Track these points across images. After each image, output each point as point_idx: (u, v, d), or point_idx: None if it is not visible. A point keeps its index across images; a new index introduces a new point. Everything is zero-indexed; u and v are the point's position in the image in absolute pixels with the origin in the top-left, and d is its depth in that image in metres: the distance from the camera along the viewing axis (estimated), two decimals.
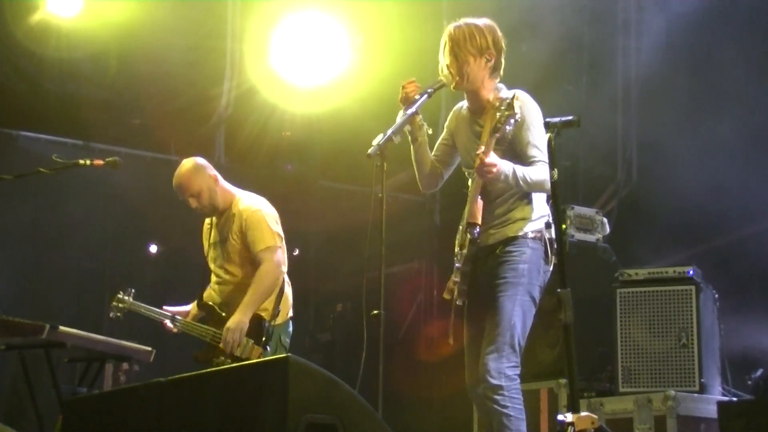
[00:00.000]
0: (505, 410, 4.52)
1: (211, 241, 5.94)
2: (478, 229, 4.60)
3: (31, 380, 5.89)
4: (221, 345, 5.63)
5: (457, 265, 4.74)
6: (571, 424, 3.97)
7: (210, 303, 5.83)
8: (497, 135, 4.43)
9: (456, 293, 4.75)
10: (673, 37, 8.13)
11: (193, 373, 4.02)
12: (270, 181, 6.21)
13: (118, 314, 5.93)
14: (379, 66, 8.27)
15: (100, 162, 5.84)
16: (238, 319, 5.62)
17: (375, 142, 4.57)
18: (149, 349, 6.03)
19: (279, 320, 5.77)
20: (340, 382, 3.75)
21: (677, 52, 8.19)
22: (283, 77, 8.39)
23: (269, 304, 5.73)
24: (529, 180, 4.55)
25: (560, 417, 4.04)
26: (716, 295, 6.70)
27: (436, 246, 8.93)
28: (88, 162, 5.82)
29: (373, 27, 8.39)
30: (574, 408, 4.05)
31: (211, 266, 5.92)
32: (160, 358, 6.23)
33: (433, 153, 4.97)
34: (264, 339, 5.67)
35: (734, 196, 7.44)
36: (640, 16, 8.66)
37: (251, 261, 5.75)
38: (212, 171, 5.87)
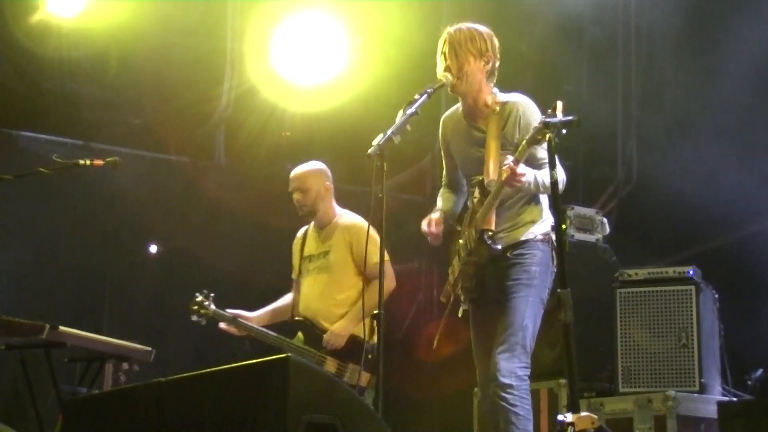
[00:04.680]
0: (514, 409, 4.55)
1: (306, 254, 6.00)
2: (490, 234, 4.62)
3: (31, 380, 5.88)
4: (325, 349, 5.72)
5: (463, 269, 4.75)
6: (571, 424, 3.97)
7: (305, 318, 5.87)
8: (536, 145, 4.43)
9: (463, 298, 4.77)
10: (674, 33, 8.13)
11: (193, 373, 4.02)
12: (270, 181, 6.20)
13: (201, 320, 5.95)
14: (379, 66, 8.26)
15: (100, 162, 5.84)
16: (345, 326, 5.73)
17: (375, 142, 4.57)
18: (149, 349, 6.03)
19: (376, 338, 5.80)
20: (340, 382, 3.76)
21: (678, 50, 8.19)
22: (283, 77, 8.38)
23: (365, 322, 5.76)
24: (546, 184, 4.60)
25: (560, 417, 4.05)
26: (716, 295, 6.70)
27: (436, 246, 8.90)
28: (88, 162, 5.81)
29: (373, 27, 8.38)
30: (574, 408, 4.06)
31: (303, 278, 5.98)
32: (160, 358, 6.23)
33: (445, 180, 5.01)
34: (370, 357, 5.67)
35: (734, 196, 7.43)
36: (641, 14, 8.67)
37: (355, 275, 5.83)
38: (330, 183, 5.99)
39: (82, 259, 8.23)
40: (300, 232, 6.12)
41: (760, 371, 6.69)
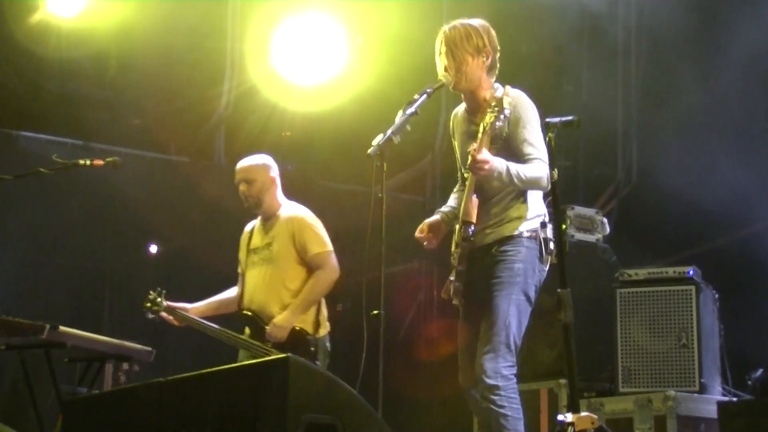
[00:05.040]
0: (502, 410, 4.51)
1: (252, 246, 5.99)
2: (472, 228, 4.61)
3: (31, 380, 5.88)
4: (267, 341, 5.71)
5: (453, 264, 4.75)
6: (571, 424, 3.98)
7: (251, 312, 5.85)
8: (488, 132, 4.45)
9: (452, 292, 4.75)
10: (675, 33, 8.14)
11: (193, 373, 4.02)
12: None
13: (155, 317, 5.98)
14: (379, 66, 8.27)
15: (100, 162, 5.83)
16: (287, 317, 5.70)
17: (375, 142, 4.57)
18: (149, 349, 6.03)
19: (323, 331, 5.81)
20: (340, 382, 3.76)
21: (678, 50, 8.20)
22: (283, 77, 8.39)
23: (310, 315, 5.77)
24: (523, 177, 4.55)
25: (560, 417, 4.06)
26: (716, 295, 6.71)
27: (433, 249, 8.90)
28: (88, 162, 5.81)
29: (373, 27, 8.38)
30: (574, 408, 4.06)
31: (248, 271, 5.96)
32: (160, 358, 6.23)
33: (459, 175, 5.02)
34: (313, 350, 5.69)
35: (734, 196, 7.44)
36: (642, 14, 8.68)
37: (299, 265, 5.82)
38: (275, 175, 6.00)
39: (82, 259, 8.23)
40: (248, 227, 6.13)
41: (760, 371, 6.69)
